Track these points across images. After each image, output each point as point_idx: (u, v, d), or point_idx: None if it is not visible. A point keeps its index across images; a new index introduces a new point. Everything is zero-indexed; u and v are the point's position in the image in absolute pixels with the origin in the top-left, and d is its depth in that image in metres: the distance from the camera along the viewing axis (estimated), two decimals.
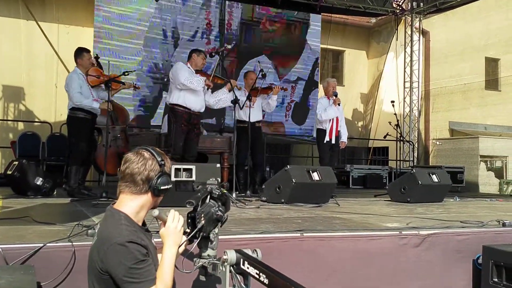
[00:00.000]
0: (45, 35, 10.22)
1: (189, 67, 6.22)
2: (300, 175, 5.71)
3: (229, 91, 6.36)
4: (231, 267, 2.03)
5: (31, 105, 10.26)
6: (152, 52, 10.22)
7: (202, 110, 6.38)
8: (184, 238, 2.06)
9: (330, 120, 7.36)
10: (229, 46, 7.21)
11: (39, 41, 10.22)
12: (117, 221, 1.95)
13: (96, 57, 6.91)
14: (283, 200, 5.64)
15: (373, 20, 14.05)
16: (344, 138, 7.63)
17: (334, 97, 7.41)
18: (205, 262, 2.09)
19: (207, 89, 6.31)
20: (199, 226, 2.03)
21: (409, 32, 13.01)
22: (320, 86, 12.10)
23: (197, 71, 6.21)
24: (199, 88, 6.09)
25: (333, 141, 7.37)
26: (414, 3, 12.72)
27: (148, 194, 2.03)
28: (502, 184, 12.49)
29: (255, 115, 7.01)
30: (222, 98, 6.40)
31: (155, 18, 10.29)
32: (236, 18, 10.94)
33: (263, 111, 7.55)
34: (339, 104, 7.48)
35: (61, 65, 10.20)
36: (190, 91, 6.09)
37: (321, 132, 7.48)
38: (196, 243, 2.07)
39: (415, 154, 12.87)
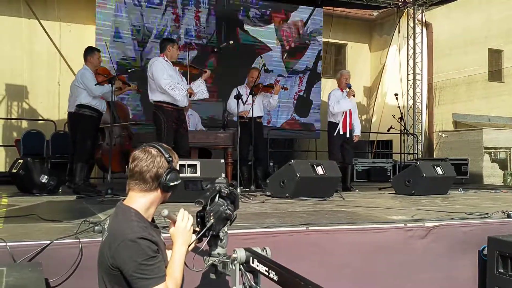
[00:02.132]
0: (47, 34, 10.24)
1: (166, 61, 5.83)
2: (304, 169, 5.72)
3: (206, 77, 6.19)
4: (241, 265, 2.03)
5: (34, 104, 10.29)
6: None
7: (187, 104, 6.20)
8: (194, 237, 2.06)
9: (343, 112, 7.27)
10: (231, 42, 7.12)
11: (41, 40, 10.23)
12: (128, 217, 1.96)
13: None
14: (287, 195, 5.65)
15: (375, 13, 13.98)
16: (357, 131, 7.49)
17: (348, 89, 7.32)
18: (215, 261, 2.10)
19: (189, 96, 5.98)
20: (208, 225, 2.04)
21: (412, 25, 12.96)
22: (323, 80, 12.22)
23: (173, 63, 5.91)
24: (178, 98, 5.75)
25: (348, 135, 7.28)
26: None
27: (158, 190, 2.04)
28: (507, 175, 12.47)
29: (256, 111, 7.01)
30: (199, 90, 6.07)
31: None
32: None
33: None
34: (353, 96, 7.37)
35: (64, 63, 10.23)
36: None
37: (333, 125, 7.37)
38: (206, 241, 2.07)
39: (419, 147, 12.85)
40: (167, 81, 5.66)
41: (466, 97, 14.04)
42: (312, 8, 11.95)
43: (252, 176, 6.91)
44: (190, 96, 5.97)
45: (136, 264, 1.84)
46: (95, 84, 5.96)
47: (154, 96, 5.85)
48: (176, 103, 5.85)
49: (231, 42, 7.07)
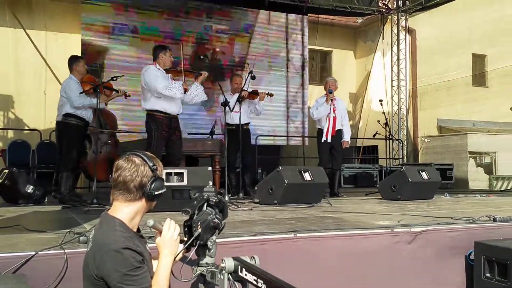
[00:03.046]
0: (33, 43, 10.17)
1: (159, 69, 5.83)
2: (292, 176, 5.73)
3: (201, 79, 6.14)
4: (229, 275, 2.02)
5: (20, 113, 10.19)
6: None
7: (181, 111, 6.16)
8: (181, 247, 2.05)
9: (327, 119, 7.32)
10: (217, 49, 7.13)
11: (27, 49, 10.16)
12: (113, 227, 1.94)
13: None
14: (275, 201, 5.65)
15: (360, 20, 14.11)
16: (346, 137, 7.52)
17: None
18: (203, 270, 2.09)
19: (184, 92, 5.92)
20: (195, 234, 2.01)
21: (396, 31, 13.08)
22: (310, 86, 12.31)
23: (166, 70, 5.91)
24: (178, 96, 5.78)
25: (329, 140, 7.32)
26: (400, 1, 12.79)
27: (142, 200, 2.03)
28: (492, 179, 12.59)
29: (243, 118, 7.02)
30: (196, 94, 6.02)
31: None
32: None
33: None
34: (332, 101, 7.32)
35: (50, 72, 10.15)
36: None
37: (320, 132, 7.47)
38: (194, 251, 2.06)
39: (405, 152, 12.94)
40: (162, 85, 5.67)
41: (450, 102, 14.19)
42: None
43: (240, 183, 6.91)
44: (184, 92, 5.89)
45: (120, 275, 1.82)
46: (81, 93, 5.94)
47: (146, 105, 5.87)
48: (167, 111, 5.85)
49: (218, 49, 7.07)
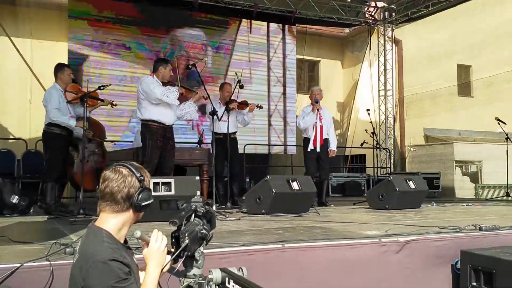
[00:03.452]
0: (18, 50, 10.09)
1: (156, 81, 5.87)
2: (280, 185, 5.73)
3: (200, 99, 6.22)
4: (217, 286, 2.01)
5: (4, 122, 10.08)
6: None
7: (175, 121, 6.20)
8: (168, 258, 2.03)
9: (313, 127, 7.33)
10: (206, 59, 7.16)
11: (12, 57, 10.08)
12: (99, 238, 1.92)
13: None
14: (263, 211, 5.64)
15: (347, 30, 14.28)
16: (333, 146, 7.53)
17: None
18: (190, 282, 2.06)
19: (181, 95, 5.93)
20: (183, 245, 1.99)
21: (382, 42, 13.23)
22: (299, 96, 12.37)
23: (164, 83, 5.94)
24: (175, 102, 5.84)
25: (318, 149, 7.31)
26: (386, 13, 12.95)
27: (130, 211, 2.01)
28: (478, 188, 12.71)
29: (231, 127, 7.01)
30: (188, 111, 6.13)
31: None
32: None
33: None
34: (318, 110, 7.32)
35: (35, 80, 10.08)
36: (163, 105, 5.82)
37: (306, 141, 7.45)
38: (181, 262, 2.04)
39: (392, 161, 13.03)
40: (160, 91, 5.69)
41: (436, 112, 14.35)
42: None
43: (228, 193, 6.89)
44: (181, 95, 5.93)
45: (107, 286, 1.81)
46: (67, 102, 5.90)
47: (141, 114, 5.92)
48: (161, 121, 5.87)
49: (205, 59, 7.08)
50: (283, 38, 12.29)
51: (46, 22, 10.49)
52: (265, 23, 12.05)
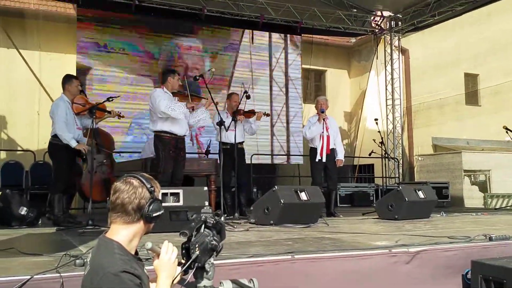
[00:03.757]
0: (26, 63, 10.18)
1: (166, 92, 6.00)
2: (288, 196, 5.71)
3: (210, 105, 6.26)
4: None
5: (13, 134, 10.16)
6: None
7: (187, 133, 6.31)
8: (179, 269, 2.03)
9: (320, 138, 7.31)
10: (213, 69, 7.20)
11: (21, 69, 10.18)
12: (110, 250, 1.93)
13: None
14: (272, 222, 5.62)
15: (353, 40, 14.31)
16: (340, 156, 7.47)
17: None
18: None
19: (192, 110, 6.12)
20: (193, 256, 1.99)
21: (389, 51, 13.23)
22: (306, 105, 12.37)
23: (173, 93, 6.08)
24: (180, 116, 5.89)
25: (324, 159, 7.29)
26: (392, 22, 12.96)
27: (141, 222, 2.01)
28: (487, 197, 12.61)
29: (238, 137, 7.01)
30: (201, 118, 6.24)
31: None
32: None
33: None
34: (324, 120, 7.31)
35: (44, 92, 10.15)
36: None
37: (313, 151, 7.42)
38: (191, 273, 2.04)
39: (400, 171, 12.97)
40: (164, 104, 5.76)
41: (444, 121, 14.32)
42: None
43: (235, 203, 6.87)
44: (192, 110, 6.06)
45: None
46: (77, 114, 5.94)
47: (153, 126, 6.03)
48: (173, 132, 5.92)
49: (213, 69, 7.11)
50: (285, 48, 12.32)
51: (55, 34, 10.61)
52: (267, 33, 12.08)
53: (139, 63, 10.44)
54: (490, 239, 4.02)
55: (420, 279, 3.52)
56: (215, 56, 11.31)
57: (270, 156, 11.89)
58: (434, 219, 6.78)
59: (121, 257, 1.90)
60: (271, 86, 12.06)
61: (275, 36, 12.20)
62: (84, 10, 10.02)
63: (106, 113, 6.30)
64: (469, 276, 3.62)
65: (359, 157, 13.14)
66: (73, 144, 5.84)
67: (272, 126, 11.95)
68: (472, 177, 12.90)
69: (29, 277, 2.46)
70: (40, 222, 5.90)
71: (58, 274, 2.52)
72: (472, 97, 15.26)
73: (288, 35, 12.32)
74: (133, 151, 9.52)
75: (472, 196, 12.57)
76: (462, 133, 14.51)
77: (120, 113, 6.68)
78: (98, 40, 10.07)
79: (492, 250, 3.84)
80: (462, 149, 13.29)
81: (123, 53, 10.30)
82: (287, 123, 12.16)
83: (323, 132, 7.32)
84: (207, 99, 6.26)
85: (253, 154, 10.56)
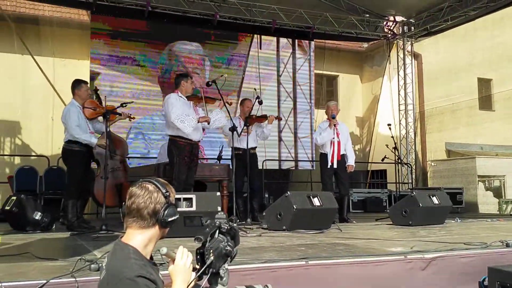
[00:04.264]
0: (41, 69, 10.29)
1: (180, 96, 5.98)
2: (300, 201, 5.68)
3: (222, 107, 6.23)
4: None
5: (27, 139, 10.26)
6: None
7: (201, 138, 6.30)
8: (194, 275, 2.02)
9: (331, 144, 7.26)
10: (226, 75, 7.21)
11: (35, 75, 10.28)
12: (126, 255, 1.93)
13: (95, 90, 6.93)
14: (284, 227, 5.60)
15: (365, 45, 14.27)
16: (351, 161, 7.41)
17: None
18: None
19: (208, 124, 6.07)
20: (208, 262, 1.98)
21: (402, 56, 13.17)
22: (316, 111, 12.32)
23: (188, 97, 6.06)
24: (188, 130, 5.81)
25: (335, 165, 7.24)
26: (405, 27, 12.91)
27: (156, 227, 2.02)
28: (502, 203, 12.47)
29: (250, 142, 7.01)
30: (217, 118, 6.19)
31: None
32: None
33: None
34: (335, 126, 7.28)
35: (57, 98, 10.24)
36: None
37: (323, 157, 7.37)
38: (206, 279, 2.03)
39: (413, 176, 12.87)
40: (175, 114, 5.76)
41: (457, 126, 14.20)
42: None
43: (248, 209, 6.86)
44: (208, 123, 6.05)
45: None
46: (91, 119, 5.98)
47: (168, 131, 6.04)
48: (189, 137, 5.94)
49: (226, 75, 7.12)
50: (293, 53, 12.29)
51: (69, 41, 10.72)
52: (274, 38, 12.06)
53: (148, 73, 10.55)
54: (507, 245, 3.97)
55: (437, 286, 3.48)
56: (220, 67, 11.33)
57: (277, 162, 11.86)
58: (448, 225, 6.72)
59: (136, 262, 1.90)
60: (278, 92, 12.04)
61: (283, 41, 12.19)
62: (97, 17, 10.13)
63: (117, 115, 6.33)
64: (486, 283, 3.56)
65: (371, 162, 13.07)
66: (94, 141, 5.89)
67: (279, 131, 11.93)
68: (486, 182, 12.77)
69: (45, 281, 2.47)
70: (54, 227, 5.93)
71: (74, 279, 2.53)
72: (485, 102, 15.12)
73: (296, 40, 12.30)
74: (151, 157, 9.60)
75: (487, 202, 12.44)
76: (476, 138, 14.37)
77: (130, 114, 6.70)
78: (110, 51, 10.17)
79: (509, 257, 3.80)
80: (476, 154, 13.16)
81: (135, 65, 10.42)
82: (295, 128, 12.14)
83: (333, 138, 7.28)
84: (221, 99, 6.21)
85: (264, 160, 10.54)
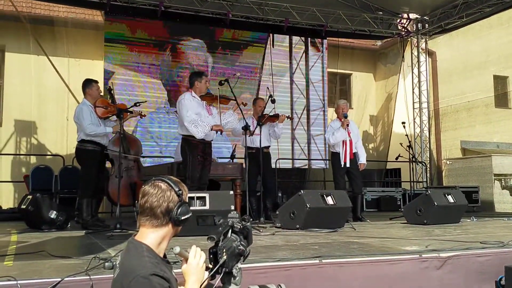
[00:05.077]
0: (56, 69, 10.37)
1: (194, 96, 5.95)
2: (314, 200, 5.67)
3: (236, 109, 6.24)
4: None
5: (42, 139, 10.36)
6: None
7: (214, 137, 6.28)
8: (207, 274, 2.02)
9: (343, 143, 7.22)
10: (239, 74, 7.21)
11: (50, 75, 10.36)
12: (140, 253, 1.94)
13: (109, 89, 6.97)
14: (298, 226, 5.59)
15: (379, 42, 14.18)
16: (362, 159, 7.37)
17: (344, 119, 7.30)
18: None
19: (220, 133, 6.05)
20: (221, 261, 1.98)
21: (416, 53, 13.06)
22: (329, 109, 12.26)
23: (202, 97, 6.03)
24: (200, 136, 5.79)
25: (348, 165, 7.19)
26: (419, 24, 12.79)
27: (169, 225, 2.02)
28: None
29: (263, 141, 7.01)
30: (230, 120, 6.20)
31: None
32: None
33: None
34: (347, 125, 7.24)
35: (72, 98, 10.29)
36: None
37: (335, 156, 7.33)
38: (219, 278, 2.03)
39: (428, 175, 12.76)
40: (189, 118, 5.74)
41: (473, 124, 14.06)
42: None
43: (261, 208, 6.86)
44: (221, 133, 6.06)
45: None
46: (105, 118, 6.02)
47: (181, 130, 6.01)
48: (204, 136, 5.92)
49: (239, 74, 7.11)
50: (306, 51, 12.22)
51: (83, 41, 10.80)
52: (287, 37, 12.01)
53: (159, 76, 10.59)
54: None
55: (452, 285, 3.44)
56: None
57: (291, 160, 11.82)
58: (464, 224, 6.64)
59: (150, 260, 1.90)
60: (291, 90, 12.00)
61: (296, 39, 12.13)
62: (110, 21, 10.19)
63: (129, 113, 6.35)
64: (503, 282, 3.52)
65: (385, 161, 12.97)
66: (110, 131, 5.95)
67: (292, 130, 11.88)
68: (502, 181, 12.58)
69: (59, 279, 2.49)
70: (69, 225, 5.98)
71: (88, 277, 2.54)
72: (501, 99, 14.93)
73: (309, 39, 12.25)
74: (165, 156, 9.63)
75: (503, 201, 12.27)
76: (492, 136, 14.20)
77: (141, 112, 6.72)
78: (123, 54, 10.25)
79: None
80: (492, 152, 12.99)
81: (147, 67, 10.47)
82: (308, 127, 12.08)
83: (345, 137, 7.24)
84: (235, 100, 6.20)
85: (278, 159, 10.52)
